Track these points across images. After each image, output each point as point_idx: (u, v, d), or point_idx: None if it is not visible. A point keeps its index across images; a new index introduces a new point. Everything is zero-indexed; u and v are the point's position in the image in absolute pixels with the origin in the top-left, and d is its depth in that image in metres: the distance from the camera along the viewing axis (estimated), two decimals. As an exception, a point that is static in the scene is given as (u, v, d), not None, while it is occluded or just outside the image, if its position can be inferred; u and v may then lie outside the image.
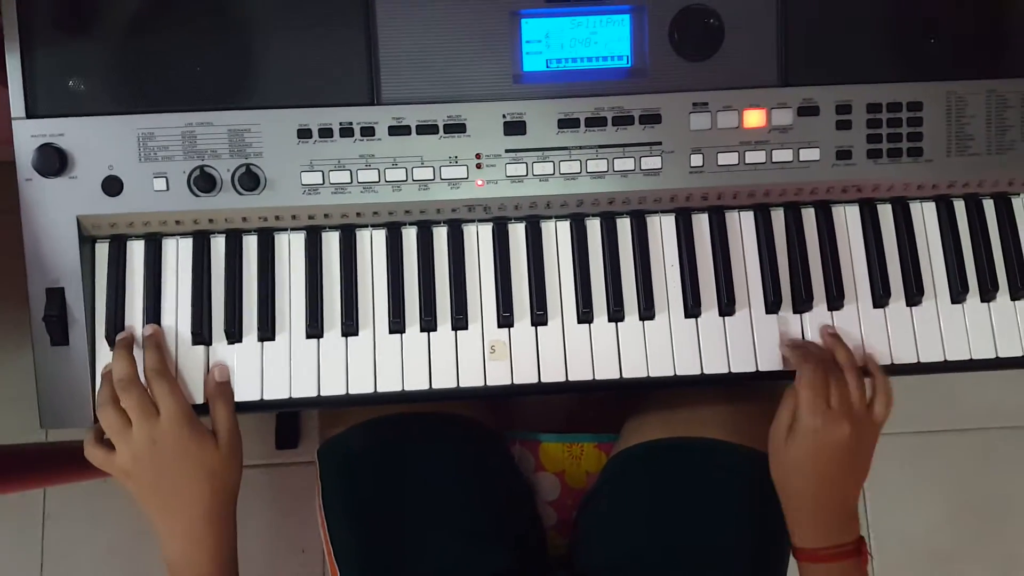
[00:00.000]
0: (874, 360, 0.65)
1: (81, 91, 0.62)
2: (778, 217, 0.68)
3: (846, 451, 0.61)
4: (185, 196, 0.63)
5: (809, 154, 0.66)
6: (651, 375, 0.65)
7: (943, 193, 0.69)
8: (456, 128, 0.64)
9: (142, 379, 0.61)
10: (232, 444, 0.62)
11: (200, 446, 0.60)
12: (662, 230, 0.68)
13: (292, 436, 1.23)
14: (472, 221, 0.67)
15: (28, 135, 0.62)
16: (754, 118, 0.65)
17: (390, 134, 0.64)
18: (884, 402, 0.63)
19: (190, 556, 0.60)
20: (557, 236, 0.67)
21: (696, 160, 0.65)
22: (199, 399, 0.63)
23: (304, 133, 0.64)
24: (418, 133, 0.64)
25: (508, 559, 0.69)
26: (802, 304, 0.67)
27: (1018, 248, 0.69)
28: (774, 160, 0.65)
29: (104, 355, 0.64)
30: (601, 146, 0.65)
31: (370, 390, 0.64)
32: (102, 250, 0.65)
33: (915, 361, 0.67)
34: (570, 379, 0.65)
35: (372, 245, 0.67)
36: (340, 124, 0.64)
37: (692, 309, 0.66)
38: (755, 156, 0.65)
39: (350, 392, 0.64)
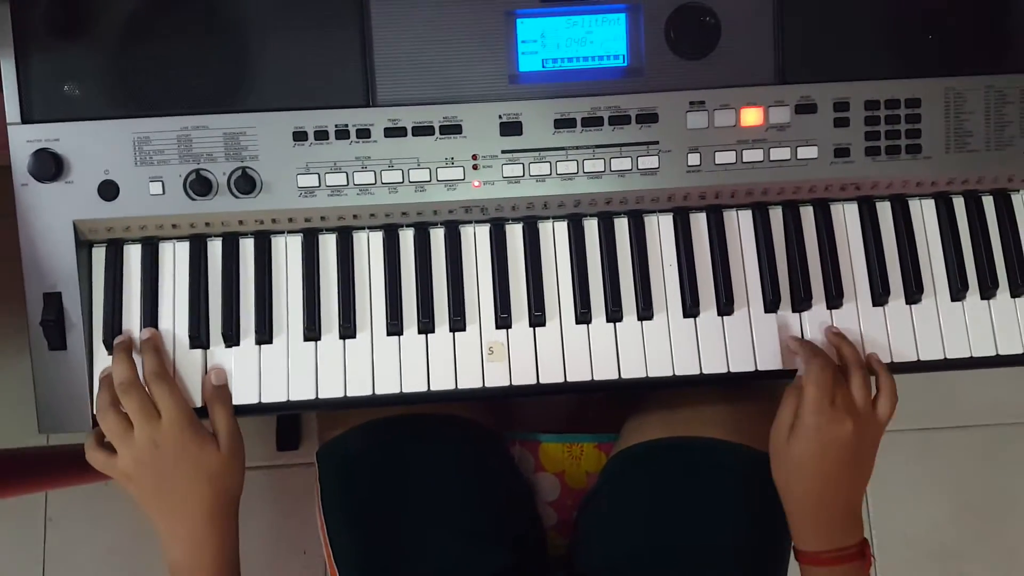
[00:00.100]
0: (878, 358, 0.65)
1: (76, 96, 0.62)
2: (776, 216, 0.68)
3: (849, 450, 0.60)
4: (181, 200, 0.63)
5: (807, 152, 0.65)
6: (650, 375, 0.65)
7: (942, 190, 0.69)
8: (452, 129, 0.64)
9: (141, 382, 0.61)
10: (233, 446, 0.62)
11: (202, 448, 0.60)
12: (660, 230, 0.67)
13: (293, 437, 1.23)
14: (469, 222, 0.67)
15: (24, 140, 0.62)
16: (751, 116, 0.65)
17: (386, 136, 0.64)
18: (888, 400, 0.62)
19: (193, 559, 0.61)
20: (555, 237, 0.67)
21: (693, 159, 0.65)
22: (198, 402, 0.63)
23: (300, 136, 0.63)
24: (414, 135, 0.64)
25: (508, 559, 0.69)
26: (801, 303, 0.67)
27: (1018, 245, 0.68)
28: (772, 158, 0.65)
29: (102, 359, 0.64)
30: (598, 146, 0.65)
31: (368, 392, 0.64)
32: (99, 254, 0.65)
33: (915, 359, 0.66)
34: (568, 380, 0.65)
35: (369, 247, 0.66)
36: (336, 126, 0.63)
37: (691, 309, 0.66)
38: (753, 154, 0.65)
39: (348, 395, 0.64)
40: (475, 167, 0.64)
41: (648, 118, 0.64)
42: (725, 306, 0.66)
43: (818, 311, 0.67)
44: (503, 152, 0.64)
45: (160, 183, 0.63)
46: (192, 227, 0.65)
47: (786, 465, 0.62)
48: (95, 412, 0.61)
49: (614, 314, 0.66)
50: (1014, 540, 1.28)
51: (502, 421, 0.81)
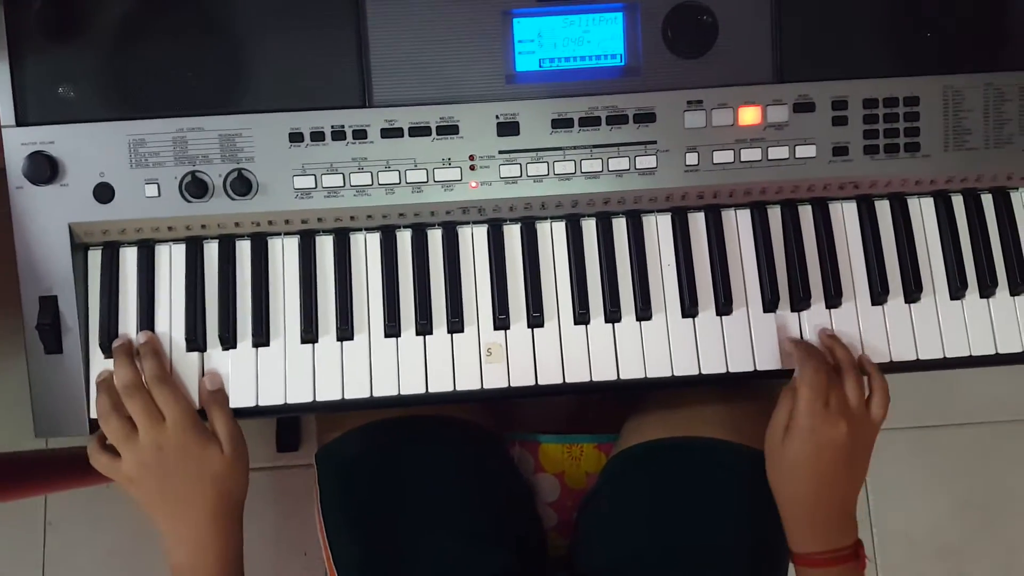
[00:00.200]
0: (870, 360, 0.65)
1: (71, 98, 0.62)
2: (775, 215, 0.68)
3: (843, 451, 0.60)
4: (177, 202, 0.63)
5: (805, 151, 0.65)
6: (649, 376, 0.65)
7: (941, 188, 0.69)
8: (449, 130, 0.64)
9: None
10: (236, 448, 0.62)
11: (205, 450, 0.60)
12: (658, 230, 0.67)
13: (293, 439, 1.23)
14: (467, 223, 0.67)
15: (18, 143, 0.62)
16: (749, 115, 0.65)
17: (382, 137, 0.63)
18: (881, 401, 0.62)
19: (196, 561, 0.60)
20: (552, 237, 0.67)
21: (691, 159, 0.65)
22: (196, 406, 0.63)
23: (296, 137, 0.63)
24: (411, 135, 0.64)
25: (508, 561, 0.69)
26: (800, 302, 0.66)
27: (1017, 243, 0.68)
28: (770, 158, 0.65)
29: (98, 363, 0.63)
30: (595, 146, 0.64)
31: (366, 395, 0.64)
32: (95, 257, 0.65)
33: (914, 359, 0.66)
34: (567, 381, 0.65)
35: (366, 249, 0.66)
36: (332, 127, 0.63)
37: (689, 309, 0.66)
38: (751, 154, 0.65)
39: (346, 397, 0.64)
40: (472, 168, 0.64)
41: (646, 118, 0.64)
42: (724, 306, 0.66)
43: (817, 310, 0.67)
44: (500, 152, 0.64)
45: (156, 185, 0.63)
46: (188, 229, 0.65)
47: (781, 466, 0.62)
48: (97, 416, 0.61)
49: (613, 315, 0.65)
50: (1014, 537, 1.28)
51: (501, 422, 0.80)
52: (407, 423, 0.71)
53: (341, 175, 0.63)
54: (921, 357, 0.66)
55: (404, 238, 0.66)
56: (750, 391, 0.73)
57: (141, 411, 0.60)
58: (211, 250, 0.65)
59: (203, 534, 0.60)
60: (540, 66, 0.65)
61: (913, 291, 0.67)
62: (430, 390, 0.64)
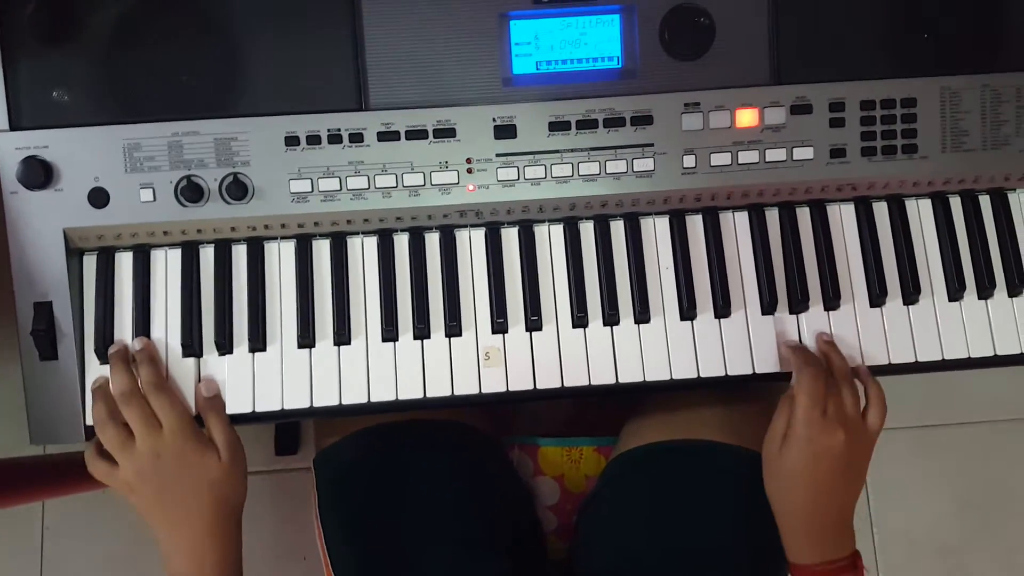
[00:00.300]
0: (866, 369, 0.65)
1: (65, 102, 0.62)
2: (772, 217, 0.68)
3: (841, 461, 0.60)
4: (172, 207, 0.62)
5: (803, 153, 0.65)
6: (647, 379, 0.65)
7: (939, 190, 0.69)
8: (446, 133, 0.63)
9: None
10: (234, 455, 0.61)
11: (203, 457, 0.60)
12: (656, 232, 0.67)
13: (292, 442, 1.23)
14: (464, 226, 0.66)
15: (12, 148, 0.61)
16: (746, 117, 0.64)
17: (379, 140, 0.63)
18: (878, 411, 0.63)
19: (195, 570, 0.60)
20: (550, 240, 0.67)
21: (689, 161, 0.64)
22: (193, 412, 0.63)
23: (292, 140, 0.63)
24: (407, 138, 0.63)
25: (507, 565, 0.69)
26: (798, 305, 0.66)
27: (1015, 244, 0.68)
28: (767, 160, 0.65)
29: (93, 369, 0.63)
30: (593, 148, 0.64)
31: (363, 400, 0.64)
32: (90, 262, 0.64)
33: (913, 360, 0.66)
34: (566, 385, 0.64)
35: (363, 253, 0.66)
36: (328, 131, 0.63)
37: (687, 312, 0.66)
38: (748, 156, 0.65)
39: (343, 402, 0.63)
40: (469, 171, 0.64)
41: (643, 120, 0.64)
42: (722, 309, 0.66)
43: (815, 313, 0.67)
44: (497, 155, 0.64)
45: (151, 190, 0.62)
46: (184, 234, 0.64)
47: (778, 476, 0.62)
48: (93, 423, 0.61)
49: (611, 318, 0.65)
50: (1015, 536, 1.28)
51: (500, 425, 0.80)
52: (405, 427, 0.71)
53: (337, 179, 0.63)
54: (920, 359, 0.66)
55: (401, 242, 0.66)
56: (749, 393, 0.73)
57: (138, 418, 0.59)
58: (207, 255, 0.65)
59: (201, 542, 0.60)
60: (537, 68, 0.64)
61: (911, 293, 0.67)
62: (428, 395, 0.64)
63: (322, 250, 0.66)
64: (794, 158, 0.65)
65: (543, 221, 0.67)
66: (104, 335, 0.63)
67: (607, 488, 0.75)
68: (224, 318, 0.64)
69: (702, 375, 0.65)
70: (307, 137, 0.63)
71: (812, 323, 0.66)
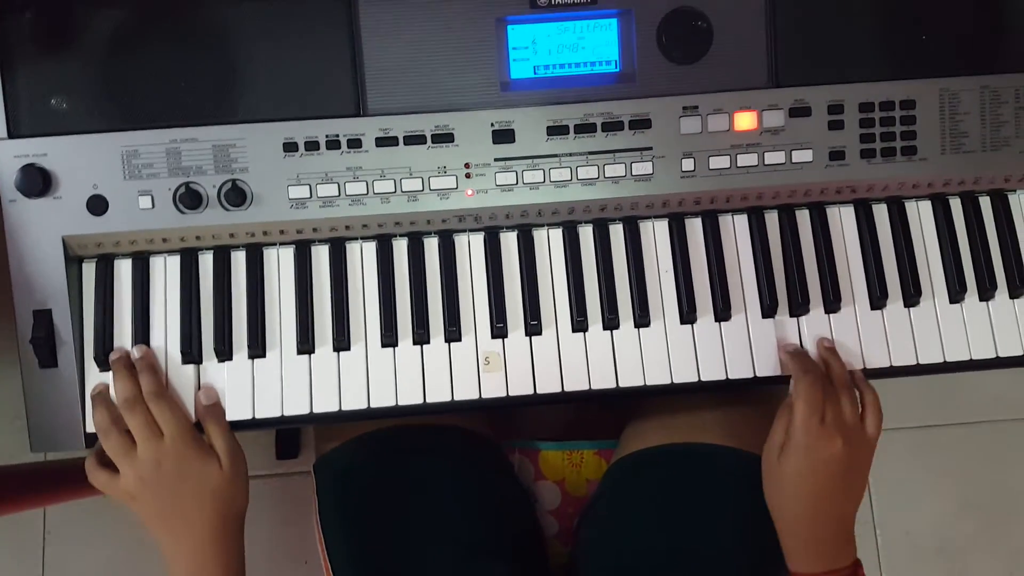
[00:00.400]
0: (862, 376, 0.65)
1: (63, 110, 0.62)
2: (772, 220, 0.68)
3: (840, 468, 0.60)
4: (171, 213, 0.62)
5: (802, 155, 0.65)
6: (648, 383, 0.65)
7: (939, 191, 0.69)
8: (444, 138, 0.63)
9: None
10: (235, 463, 0.61)
11: (205, 465, 0.60)
12: (655, 236, 0.67)
13: (293, 446, 1.23)
14: (463, 231, 0.66)
15: (11, 156, 0.61)
16: (745, 120, 0.64)
17: (377, 145, 0.63)
18: (875, 419, 0.62)
19: None
20: (550, 244, 0.67)
21: (687, 164, 0.64)
22: (193, 419, 0.62)
23: (290, 147, 0.63)
24: (406, 144, 0.63)
25: (508, 570, 0.68)
26: (798, 307, 0.66)
27: (1016, 245, 0.68)
28: (766, 162, 0.65)
29: (93, 376, 0.63)
30: (591, 152, 0.64)
31: (363, 406, 0.63)
32: (89, 270, 0.64)
33: (914, 363, 0.66)
34: (566, 390, 0.64)
35: (362, 258, 0.66)
36: (326, 136, 0.63)
37: (687, 315, 0.66)
38: (747, 159, 0.64)
39: (343, 408, 0.63)
40: (468, 176, 0.64)
41: (641, 124, 0.64)
42: (722, 312, 0.66)
43: (816, 316, 0.66)
44: (496, 160, 0.64)
45: (149, 197, 0.62)
46: (183, 241, 0.64)
47: (778, 484, 0.62)
48: (96, 430, 0.61)
49: (611, 322, 0.65)
50: (1018, 536, 1.27)
51: (501, 429, 0.80)
52: (405, 432, 0.70)
53: (336, 184, 0.63)
54: (921, 361, 0.66)
55: (400, 247, 0.66)
56: (750, 397, 0.72)
57: (141, 426, 0.59)
58: (206, 262, 0.65)
59: (204, 550, 0.60)
60: (535, 73, 0.64)
61: (912, 295, 0.67)
62: (428, 400, 0.64)
63: (321, 256, 0.66)
64: (793, 161, 0.65)
65: (542, 225, 0.67)
66: (103, 342, 0.63)
67: (608, 492, 0.75)
68: (223, 325, 0.64)
69: (703, 379, 0.65)
70: (305, 143, 0.63)
71: (813, 326, 0.66)
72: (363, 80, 0.63)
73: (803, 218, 0.68)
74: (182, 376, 0.63)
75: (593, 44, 0.64)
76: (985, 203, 0.69)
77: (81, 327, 0.63)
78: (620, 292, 0.66)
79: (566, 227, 0.67)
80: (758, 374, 0.65)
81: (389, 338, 0.64)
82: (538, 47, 0.64)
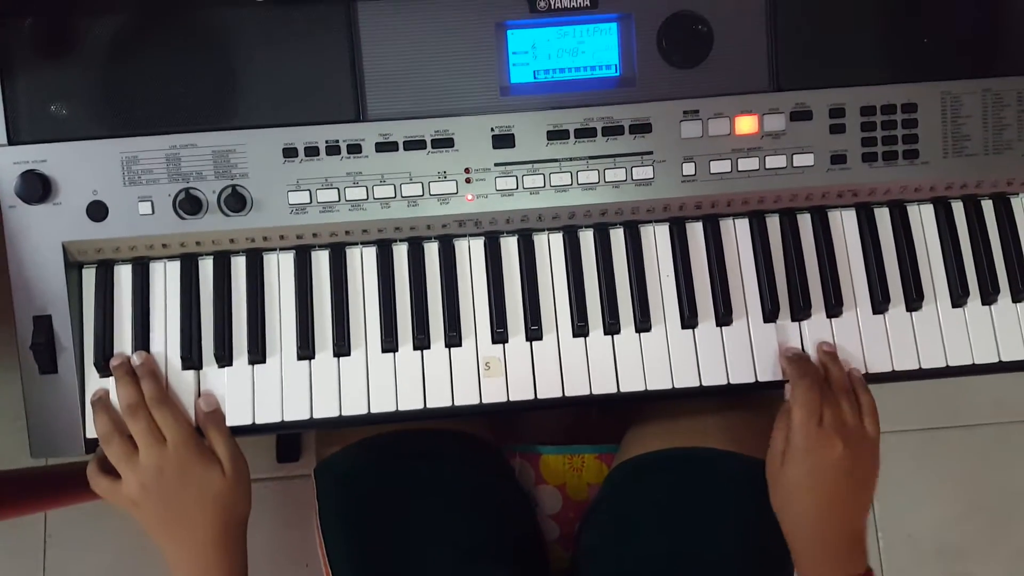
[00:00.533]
0: (859, 378, 0.64)
1: (63, 116, 0.62)
2: (773, 224, 0.67)
3: (843, 471, 0.59)
4: (171, 219, 0.62)
5: (803, 159, 0.65)
6: (649, 388, 0.64)
7: (941, 195, 0.68)
8: (444, 143, 0.63)
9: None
10: (238, 468, 0.61)
11: (207, 471, 0.60)
12: (656, 240, 0.67)
13: (293, 449, 1.23)
14: (463, 236, 0.66)
15: (10, 162, 0.61)
16: (746, 124, 0.64)
17: (377, 151, 0.63)
18: (872, 419, 0.62)
19: None
20: (550, 249, 0.66)
21: (688, 169, 0.64)
22: (194, 425, 0.62)
23: (290, 152, 0.63)
24: (405, 149, 0.63)
25: (509, 574, 0.68)
26: (800, 312, 0.66)
27: (1018, 249, 0.68)
28: (767, 167, 0.64)
29: (93, 382, 0.63)
30: (591, 157, 0.64)
31: (364, 411, 0.63)
32: (89, 276, 0.64)
33: (917, 367, 0.66)
34: (567, 395, 0.64)
35: (363, 263, 0.66)
36: (326, 142, 0.63)
37: (689, 320, 0.65)
38: (748, 163, 0.64)
39: (343, 414, 0.63)
40: (468, 180, 0.64)
41: (642, 128, 0.64)
42: (723, 316, 0.65)
43: (818, 320, 0.66)
44: (496, 165, 0.64)
45: (149, 203, 0.62)
46: (183, 246, 0.64)
47: (783, 491, 0.62)
48: (97, 436, 0.61)
49: (611, 327, 0.65)
50: (1020, 539, 1.27)
51: (502, 433, 0.80)
52: (406, 437, 0.70)
53: (336, 190, 0.63)
54: (923, 366, 0.66)
55: (400, 252, 0.66)
56: (751, 401, 0.72)
57: (144, 432, 0.59)
58: (206, 267, 0.65)
59: (207, 556, 0.60)
60: (535, 78, 0.64)
61: (914, 299, 0.66)
62: (428, 405, 0.64)
63: (321, 261, 0.65)
64: (794, 165, 0.65)
65: (542, 230, 0.67)
66: (104, 348, 0.63)
67: (609, 496, 0.74)
68: (223, 330, 0.64)
69: (704, 384, 0.65)
70: (305, 148, 0.63)
71: (814, 331, 0.66)
72: (363, 85, 0.63)
73: (804, 222, 0.68)
74: (182, 382, 0.63)
75: (593, 48, 0.64)
76: (987, 206, 0.69)
77: (81, 333, 0.63)
78: (621, 297, 0.65)
79: (567, 232, 0.66)
80: (759, 379, 0.65)
81: (389, 343, 0.64)
82: (538, 52, 0.64)
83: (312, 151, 0.63)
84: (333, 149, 0.63)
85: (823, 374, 0.63)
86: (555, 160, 0.64)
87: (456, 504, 0.70)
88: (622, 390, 0.64)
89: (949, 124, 0.65)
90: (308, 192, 0.63)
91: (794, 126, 0.64)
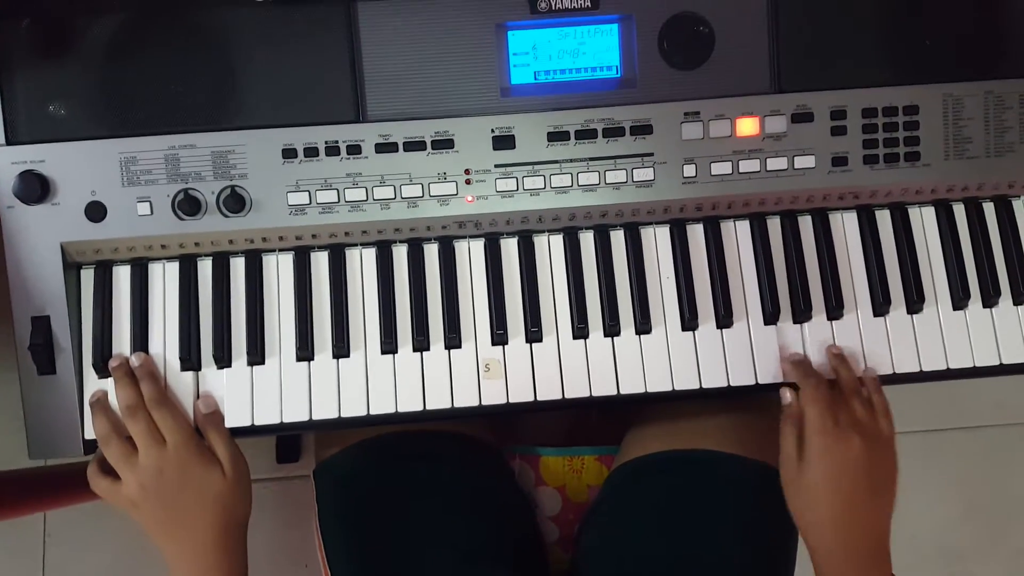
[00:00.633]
0: (875, 381, 0.64)
1: (61, 116, 0.62)
2: (774, 226, 0.67)
3: (862, 470, 0.58)
4: (170, 220, 0.62)
5: (804, 161, 0.64)
6: (649, 390, 0.64)
7: (942, 197, 0.68)
8: (444, 144, 0.63)
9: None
10: (238, 469, 0.61)
11: (207, 472, 0.60)
12: (657, 242, 0.67)
13: (293, 450, 1.23)
14: (463, 237, 0.66)
15: (8, 162, 0.61)
16: (747, 126, 0.64)
17: (377, 152, 0.63)
18: (886, 419, 0.62)
19: None
20: (550, 250, 0.66)
21: (689, 170, 0.64)
22: (193, 426, 0.62)
23: (289, 153, 0.63)
24: (405, 150, 0.63)
25: (509, 576, 0.68)
26: (801, 314, 0.66)
27: (1020, 252, 0.68)
28: (769, 168, 0.64)
29: (92, 383, 0.63)
30: (592, 158, 0.64)
31: (363, 413, 0.63)
32: (87, 276, 0.64)
33: (917, 370, 0.66)
34: (567, 396, 0.64)
35: (362, 264, 0.66)
36: (326, 143, 0.63)
37: (689, 322, 0.65)
38: (749, 165, 0.64)
39: (342, 415, 0.63)
40: (468, 182, 0.63)
41: (642, 130, 0.64)
42: (724, 319, 0.65)
43: (819, 322, 0.66)
44: (496, 166, 0.63)
45: (148, 203, 0.62)
46: (182, 247, 0.64)
47: (802, 495, 0.60)
48: (97, 437, 0.61)
49: (612, 328, 0.65)
50: (1021, 540, 1.27)
51: (501, 435, 0.80)
52: (405, 438, 0.70)
53: (335, 191, 0.63)
54: (924, 368, 0.66)
55: (400, 253, 0.66)
56: (752, 403, 0.72)
57: (144, 433, 0.59)
58: (205, 268, 0.65)
59: (207, 557, 0.60)
60: (535, 79, 0.64)
61: (915, 301, 0.66)
62: (428, 407, 0.64)
63: (320, 262, 0.65)
64: (795, 167, 0.64)
65: (543, 231, 0.66)
66: (102, 349, 0.63)
67: (609, 498, 0.74)
68: (222, 331, 0.63)
69: (704, 386, 0.65)
70: (304, 149, 0.62)
71: (815, 333, 0.66)
72: (363, 86, 0.63)
73: (805, 224, 0.67)
74: (181, 383, 0.63)
75: (594, 50, 0.64)
76: (989, 209, 0.69)
77: (79, 334, 0.63)
78: (621, 298, 0.65)
79: (567, 233, 0.66)
80: (760, 381, 0.65)
81: (389, 345, 0.64)
82: (538, 53, 0.64)
83: (311, 152, 0.63)
84: (333, 150, 0.63)
85: (834, 376, 0.63)
86: (555, 161, 0.64)
87: (456, 506, 0.70)
88: (622, 392, 0.64)
89: (951, 126, 0.65)
90: (307, 193, 0.63)
91: (795, 128, 0.64)
